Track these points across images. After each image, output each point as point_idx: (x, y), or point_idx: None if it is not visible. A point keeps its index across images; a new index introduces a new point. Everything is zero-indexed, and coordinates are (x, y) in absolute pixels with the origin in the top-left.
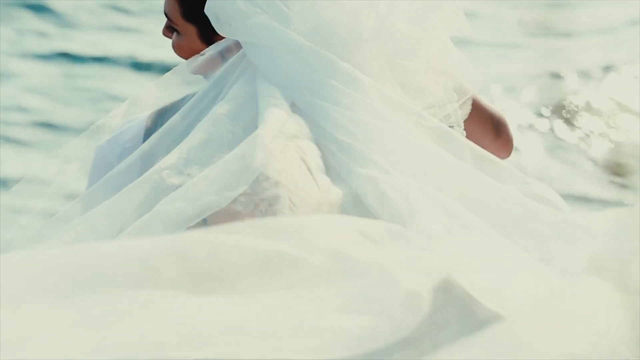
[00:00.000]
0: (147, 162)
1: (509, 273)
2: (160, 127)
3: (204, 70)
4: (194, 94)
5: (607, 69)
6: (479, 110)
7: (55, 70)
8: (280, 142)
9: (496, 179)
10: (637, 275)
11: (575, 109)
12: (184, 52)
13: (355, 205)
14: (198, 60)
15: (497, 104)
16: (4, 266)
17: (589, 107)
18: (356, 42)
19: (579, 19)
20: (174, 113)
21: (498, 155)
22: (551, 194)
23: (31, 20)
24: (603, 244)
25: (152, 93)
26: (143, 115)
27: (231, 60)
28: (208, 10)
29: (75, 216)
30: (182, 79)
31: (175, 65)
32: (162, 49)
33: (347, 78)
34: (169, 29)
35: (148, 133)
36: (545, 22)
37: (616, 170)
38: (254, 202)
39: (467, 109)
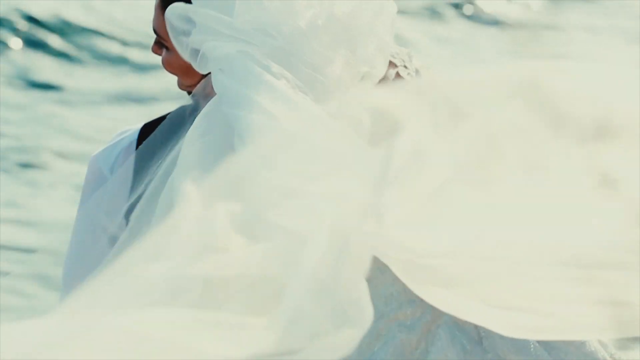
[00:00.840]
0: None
1: None
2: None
3: (202, 92)
4: (182, 107)
5: None
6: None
7: None
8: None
9: None
10: None
11: None
12: (174, 68)
13: None
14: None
15: None
16: None
17: None
18: (300, 35)
19: None
20: (164, 126)
21: None
22: None
23: None
24: None
25: None
26: (136, 126)
27: None
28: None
29: None
30: None
31: None
32: None
33: (271, 89)
34: (159, 45)
35: (139, 146)
36: None
37: None
38: None
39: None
